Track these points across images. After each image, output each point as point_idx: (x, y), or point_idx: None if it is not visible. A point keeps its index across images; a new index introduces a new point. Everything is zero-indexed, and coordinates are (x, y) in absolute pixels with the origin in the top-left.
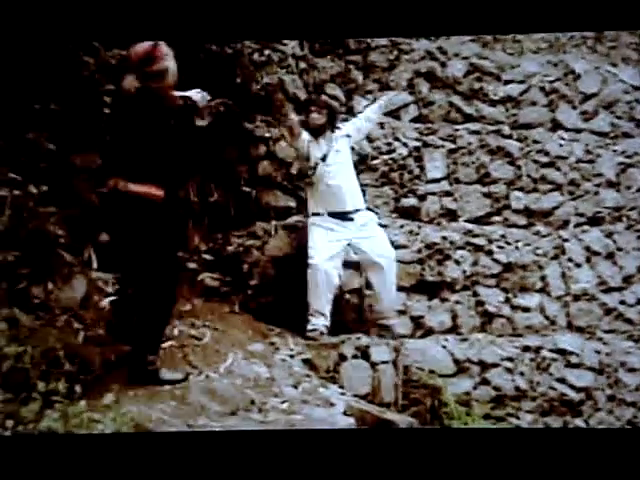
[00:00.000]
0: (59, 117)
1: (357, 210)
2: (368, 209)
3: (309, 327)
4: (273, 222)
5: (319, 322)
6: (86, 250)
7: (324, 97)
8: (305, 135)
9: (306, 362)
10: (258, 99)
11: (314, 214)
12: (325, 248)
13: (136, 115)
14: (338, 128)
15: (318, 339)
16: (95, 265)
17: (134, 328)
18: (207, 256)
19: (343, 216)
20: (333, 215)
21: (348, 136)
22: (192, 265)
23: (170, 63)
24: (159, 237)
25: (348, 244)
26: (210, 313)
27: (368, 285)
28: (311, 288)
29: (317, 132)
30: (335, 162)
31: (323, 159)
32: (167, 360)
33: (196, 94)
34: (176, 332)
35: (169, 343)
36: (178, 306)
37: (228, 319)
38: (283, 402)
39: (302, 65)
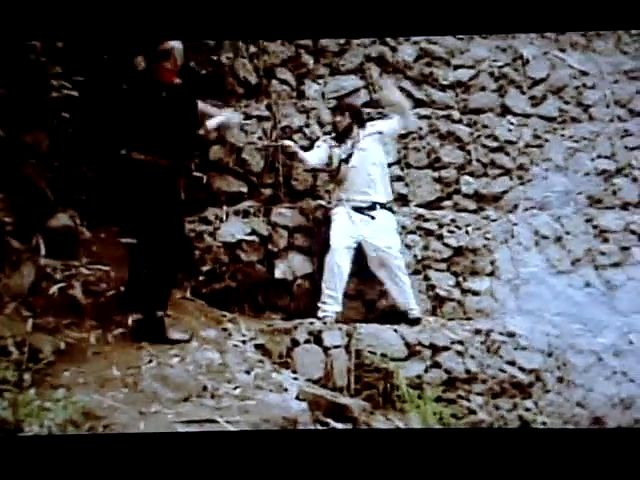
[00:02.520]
0: (6, 101)
1: (377, 204)
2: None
3: (320, 313)
4: (225, 207)
5: (331, 308)
6: (34, 237)
7: (346, 100)
8: (324, 143)
9: (259, 347)
10: (208, 82)
11: (338, 205)
12: (344, 237)
13: (141, 93)
14: (363, 126)
15: (328, 323)
16: (43, 252)
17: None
18: None
19: (364, 212)
20: (356, 209)
21: (379, 133)
22: None
23: (175, 43)
24: (166, 200)
25: (360, 241)
26: None
27: (379, 282)
28: (327, 273)
29: (343, 134)
30: (359, 161)
31: (346, 161)
32: (119, 347)
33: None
34: (129, 320)
35: (120, 330)
36: None
37: (180, 305)
38: (236, 388)
39: (252, 49)
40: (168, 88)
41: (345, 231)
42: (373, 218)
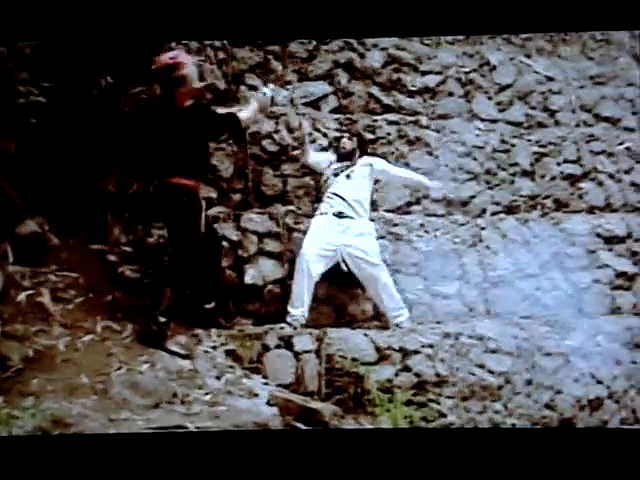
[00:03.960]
0: None
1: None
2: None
3: (288, 318)
4: None
5: (298, 312)
6: (2, 244)
7: (357, 126)
8: (329, 154)
9: (229, 353)
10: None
11: (320, 214)
12: (317, 243)
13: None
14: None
15: (297, 328)
16: (11, 259)
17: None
18: (127, 248)
19: (342, 216)
20: (335, 215)
21: (370, 165)
22: (112, 257)
23: (189, 70)
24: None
25: (337, 248)
26: (131, 306)
27: (363, 289)
28: (296, 278)
29: (344, 156)
30: (344, 181)
31: (335, 175)
32: (88, 354)
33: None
34: (98, 327)
35: (90, 337)
36: (99, 298)
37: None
38: (206, 394)
39: (221, 55)
40: (181, 111)
41: (320, 237)
42: (352, 218)
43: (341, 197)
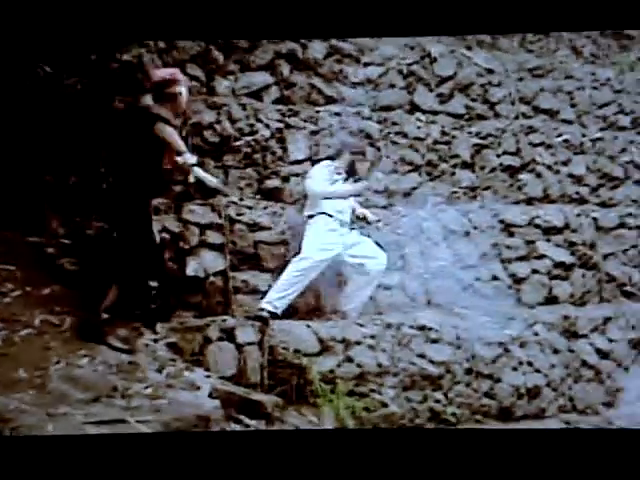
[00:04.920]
0: None
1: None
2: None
3: (265, 304)
4: None
5: (278, 303)
6: None
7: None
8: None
9: (171, 346)
10: (117, 78)
11: (310, 216)
12: (320, 247)
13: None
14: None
15: (264, 317)
16: None
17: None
18: (66, 240)
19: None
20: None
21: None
22: (50, 250)
23: (183, 89)
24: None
25: (338, 254)
26: (70, 299)
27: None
28: (289, 275)
29: (350, 172)
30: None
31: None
32: (26, 348)
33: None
34: (36, 321)
35: (27, 331)
36: (37, 291)
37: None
38: (147, 387)
39: (161, 45)
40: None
41: (323, 241)
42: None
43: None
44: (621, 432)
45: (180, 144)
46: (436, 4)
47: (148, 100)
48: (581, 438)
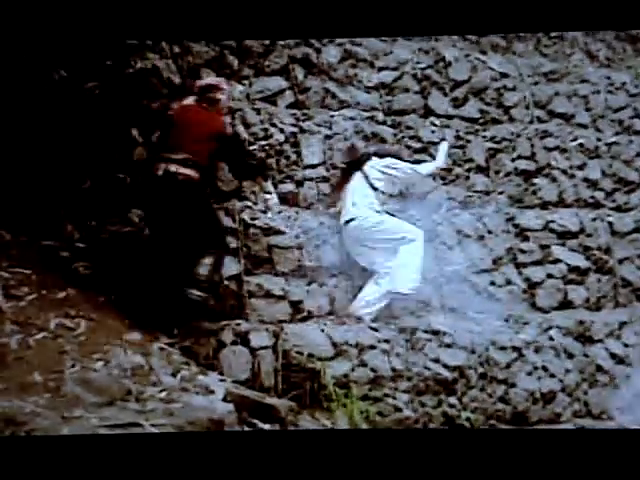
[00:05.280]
0: None
1: None
2: None
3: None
4: None
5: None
6: None
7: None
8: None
9: (185, 350)
10: (132, 84)
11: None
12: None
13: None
14: None
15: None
16: None
17: None
18: (80, 244)
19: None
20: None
21: None
22: (65, 254)
23: (224, 97)
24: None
25: None
26: (85, 303)
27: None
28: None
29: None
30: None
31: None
32: (41, 352)
33: None
34: (51, 324)
35: (42, 334)
36: (52, 295)
37: (104, 308)
38: (161, 391)
39: (176, 49)
40: None
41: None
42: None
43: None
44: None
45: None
46: (450, 4)
47: (190, 101)
48: (592, 439)
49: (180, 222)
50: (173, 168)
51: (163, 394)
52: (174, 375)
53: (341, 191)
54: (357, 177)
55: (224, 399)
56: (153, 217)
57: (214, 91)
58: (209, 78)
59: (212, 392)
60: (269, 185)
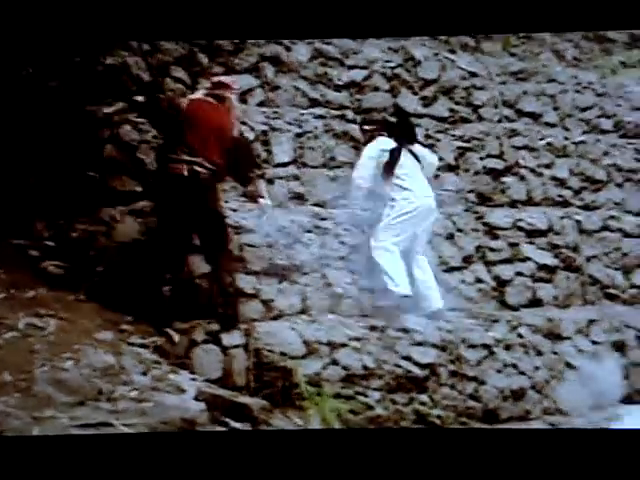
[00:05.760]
0: None
1: None
2: None
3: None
4: (119, 207)
5: (402, 290)
6: None
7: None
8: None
9: (156, 349)
10: (101, 81)
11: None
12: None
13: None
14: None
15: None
16: None
17: None
18: (50, 243)
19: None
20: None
21: None
22: (34, 252)
23: (232, 96)
24: None
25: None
26: (55, 302)
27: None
28: (386, 264)
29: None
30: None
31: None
32: (11, 351)
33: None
34: (20, 324)
35: (12, 334)
36: (21, 294)
37: (74, 308)
38: (133, 390)
39: (146, 47)
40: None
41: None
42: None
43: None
44: (605, 432)
45: None
46: (420, 5)
47: (199, 94)
48: (564, 438)
49: (192, 220)
50: (198, 168)
51: (134, 393)
52: (145, 374)
53: (392, 172)
54: (407, 155)
55: (196, 398)
56: (167, 213)
57: (223, 88)
58: (224, 77)
59: (184, 391)
60: (264, 188)
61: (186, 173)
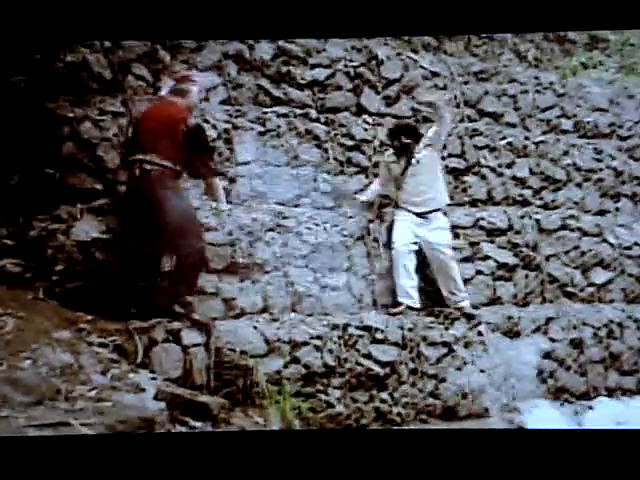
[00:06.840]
0: None
1: (433, 211)
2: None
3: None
4: (79, 205)
5: (408, 301)
6: None
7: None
8: (387, 157)
9: (116, 348)
10: (61, 78)
11: (400, 209)
12: (404, 238)
13: None
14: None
15: (404, 313)
16: None
17: None
18: (8, 241)
19: (421, 215)
20: (416, 214)
21: (429, 145)
22: None
23: (195, 89)
24: None
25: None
26: (12, 301)
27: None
28: (396, 270)
29: (400, 151)
30: (415, 172)
31: (402, 174)
32: None
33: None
34: None
35: None
36: None
37: (32, 306)
38: (91, 390)
39: (107, 44)
40: None
41: (407, 232)
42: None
43: (417, 194)
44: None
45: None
46: (383, 6)
47: (164, 92)
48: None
49: (154, 217)
50: (147, 166)
51: (93, 393)
52: (104, 373)
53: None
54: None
55: (155, 397)
56: (130, 213)
57: (184, 82)
58: (187, 71)
59: (143, 390)
60: (220, 186)
61: (137, 172)
